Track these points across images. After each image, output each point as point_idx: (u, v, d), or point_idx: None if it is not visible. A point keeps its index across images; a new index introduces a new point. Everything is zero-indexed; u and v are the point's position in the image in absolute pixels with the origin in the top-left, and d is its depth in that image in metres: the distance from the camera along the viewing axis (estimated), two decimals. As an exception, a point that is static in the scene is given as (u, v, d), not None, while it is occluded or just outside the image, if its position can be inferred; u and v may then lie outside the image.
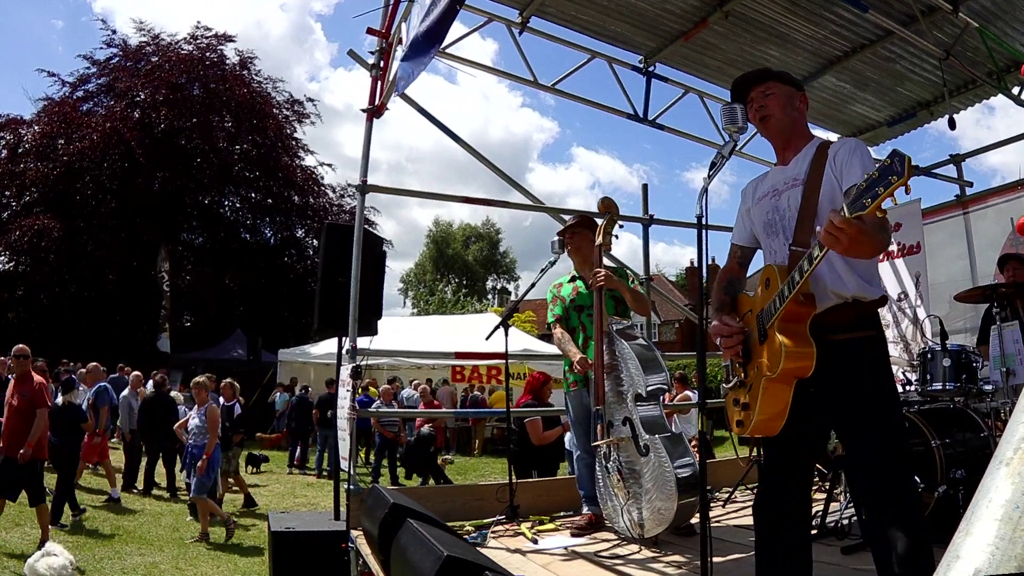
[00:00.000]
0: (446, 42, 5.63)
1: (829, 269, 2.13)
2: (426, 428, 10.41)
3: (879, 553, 2.00)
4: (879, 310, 2.23)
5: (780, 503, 2.25)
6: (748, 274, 2.58)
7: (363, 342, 4.39)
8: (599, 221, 4.09)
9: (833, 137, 7.13)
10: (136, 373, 10.40)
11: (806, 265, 1.99)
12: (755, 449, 4.43)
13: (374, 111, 4.74)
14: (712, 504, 4.38)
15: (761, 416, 2.14)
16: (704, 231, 2.28)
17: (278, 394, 15.43)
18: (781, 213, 2.28)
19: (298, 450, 12.33)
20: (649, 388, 3.52)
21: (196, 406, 7.09)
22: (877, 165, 1.73)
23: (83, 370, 11.25)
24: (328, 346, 12.65)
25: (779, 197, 2.31)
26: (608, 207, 4.08)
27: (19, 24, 53.90)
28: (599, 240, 3.95)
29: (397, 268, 55.40)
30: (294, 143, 22.86)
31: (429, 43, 3.90)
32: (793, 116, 2.35)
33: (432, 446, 10.32)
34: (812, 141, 2.34)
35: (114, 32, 23.75)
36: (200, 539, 6.47)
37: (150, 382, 10.56)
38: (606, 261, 4.16)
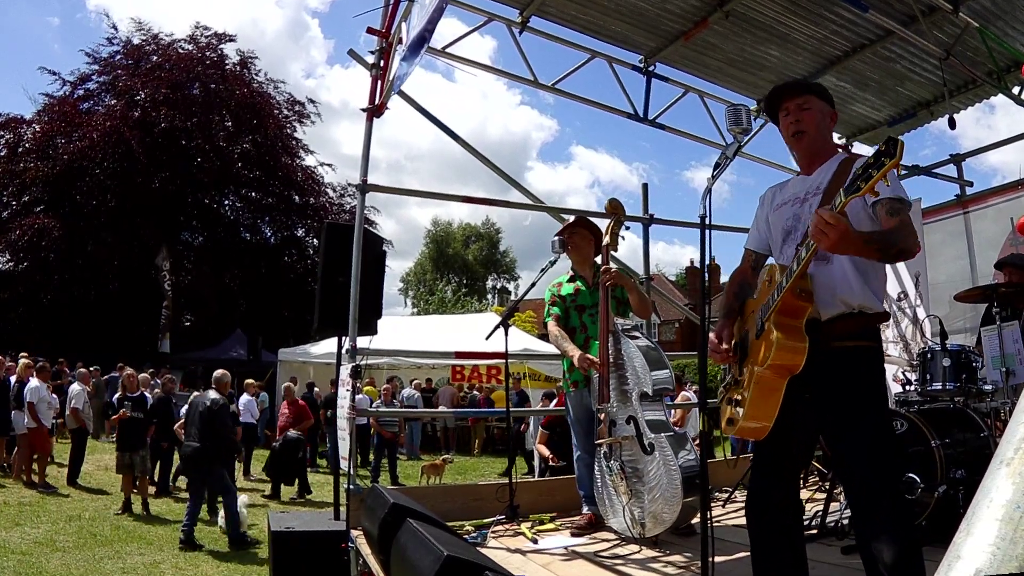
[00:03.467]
0: (446, 41, 5.67)
1: (841, 274, 2.15)
2: (293, 432, 9.37)
3: (868, 557, 2.02)
4: (880, 325, 2.26)
5: (770, 502, 2.28)
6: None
7: (363, 342, 4.39)
8: (598, 220, 4.08)
9: (834, 137, 7.16)
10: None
11: (803, 253, 2.02)
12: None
13: (374, 111, 4.74)
14: (712, 504, 4.39)
15: (750, 413, 2.16)
16: (708, 231, 2.28)
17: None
18: (802, 221, 2.30)
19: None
20: (655, 387, 3.52)
21: None
22: (873, 151, 1.77)
23: (83, 370, 11.26)
24: (328, 346, 12.64)
25: (801, 205, 2.32)
26: (615, 208, 4.08)
27: (16, 22, 53.70)
28: (606, 240, 3.95)
29: (397, 268, 55.36)
30: (294, 143, 22.89)
31: (420, 42, 3.96)
32: (824, 134, 2.37)
33: (300, 451, 9.25)
34: (837, 155, 2.36)
35: (116, 30, 23.74)
36: None
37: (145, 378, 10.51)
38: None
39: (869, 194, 1.96)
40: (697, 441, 5.07)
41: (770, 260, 2.50)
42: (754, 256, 2.55)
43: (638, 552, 3.42)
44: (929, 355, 3.82)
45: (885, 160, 1.72)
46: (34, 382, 8.81)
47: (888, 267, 6.97)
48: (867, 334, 2.19)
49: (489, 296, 46.44)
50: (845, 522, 3.53)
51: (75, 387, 9.45)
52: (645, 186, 6.16)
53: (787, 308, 2.10)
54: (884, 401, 2.19)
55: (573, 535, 3.79)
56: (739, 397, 2.25)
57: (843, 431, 2.15)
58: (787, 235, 2.36)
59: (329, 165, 29.00)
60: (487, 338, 4.54)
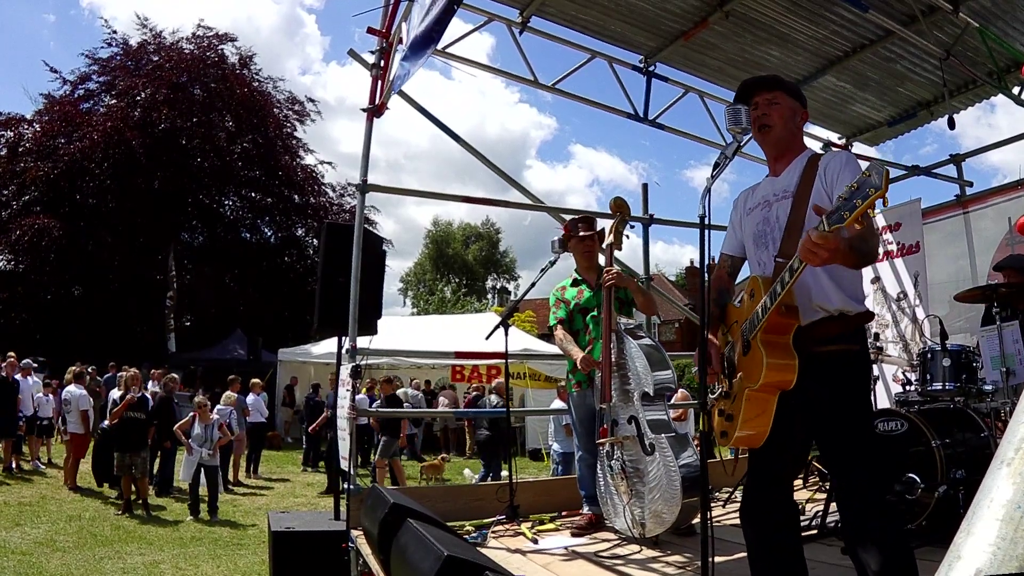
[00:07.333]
0: (446, 41, 5.65)
1: (815, 282, 2.13)
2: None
3: (858, 564, 2.01)
4: (865, 325, 2.25)
5: (765, 509, 2.28)
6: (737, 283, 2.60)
7: (363, 341, 4.39)
8: (602, 221, 4.07)
9: (834, 137, 7.16)
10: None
11: (787, 276, 2.01)
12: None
13: (374, 111, 4.73)
14: (712, 504, 4.38)
15: (743, 428, 2.16)
16: (707, 231, 2.27)
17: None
18: (771, 225, 2.29)
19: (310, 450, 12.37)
20: (656, 387, 3.52)
21: None
22: (857, 177, 1.74)
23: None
24: (328, 345, 12.62)
25: (770, 208, 2.31)
26: (619, 207, 4.07)
27: (11, 20, 53.20)
28: (609, 239, 3.95)
29: (397, 267, 55.11)
30: (294, 142, 22.89)
31: (426, 43, 3.92)
32: (792, 130, 2.35)
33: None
34: (804, 153, 2.34)
35: (115, 33, 23.71)
36: None
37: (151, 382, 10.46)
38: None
39: (835, 190, 1.97)
40: (698, 441, 5.07)
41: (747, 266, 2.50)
42: (730, 261, 2.55)
43: (638, 552, 3.42)
44: (929, 355, 3.82)
45: (871, 191, 1.68)
46: (78, 388, 9.09)
47: (888, 267, 6.87)
48: (849, 336, 2.16)
49: (489, 296, 46.40)
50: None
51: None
52: (645, 186, 6.16)
53: (773, 326, 2.10)
54: (869, 408, 2.20)
55: (573, 535, 3.79)
56: (730, 411, 2.24)
57: (830, 438, 2.16)
58: (758, 240, 2.35)
59: (329, 163, 29.01)
60: (487, 338, 4.54)
